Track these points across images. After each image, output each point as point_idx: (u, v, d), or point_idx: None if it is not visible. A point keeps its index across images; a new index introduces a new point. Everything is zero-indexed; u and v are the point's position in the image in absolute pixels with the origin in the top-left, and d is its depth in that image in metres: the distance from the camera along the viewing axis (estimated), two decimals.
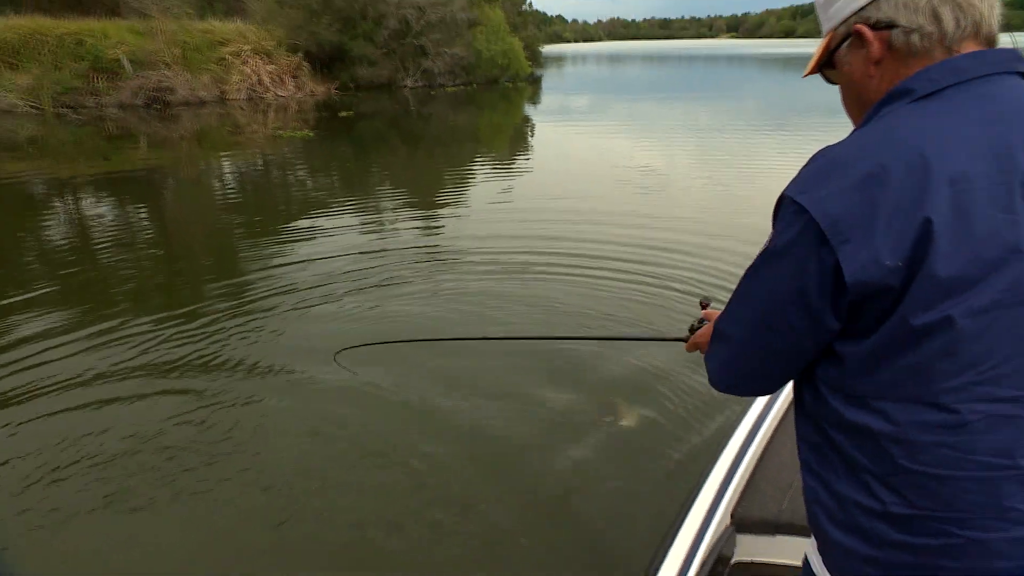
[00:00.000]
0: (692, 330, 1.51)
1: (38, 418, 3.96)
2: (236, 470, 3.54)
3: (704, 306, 1.55)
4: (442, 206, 8.94)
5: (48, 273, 6.64)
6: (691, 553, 1.75)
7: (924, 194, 0.81)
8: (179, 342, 4.86)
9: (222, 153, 13.70)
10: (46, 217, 8.97)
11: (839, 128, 1.05)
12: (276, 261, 6.75)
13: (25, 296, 5.86)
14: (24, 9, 21.84)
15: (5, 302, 5.75)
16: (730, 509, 1.98)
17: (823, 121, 14.77)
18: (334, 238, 7.51)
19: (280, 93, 22.18)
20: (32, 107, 18.01)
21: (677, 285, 5.57)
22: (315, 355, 4.56)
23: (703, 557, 1.76)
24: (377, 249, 7.03)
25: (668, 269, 5.96)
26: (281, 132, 15.40)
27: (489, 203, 8.98)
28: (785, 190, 0.92)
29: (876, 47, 0.92)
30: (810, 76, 1.12)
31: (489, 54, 26.71)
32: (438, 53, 25.19)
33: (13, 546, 3.16)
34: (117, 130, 15.94)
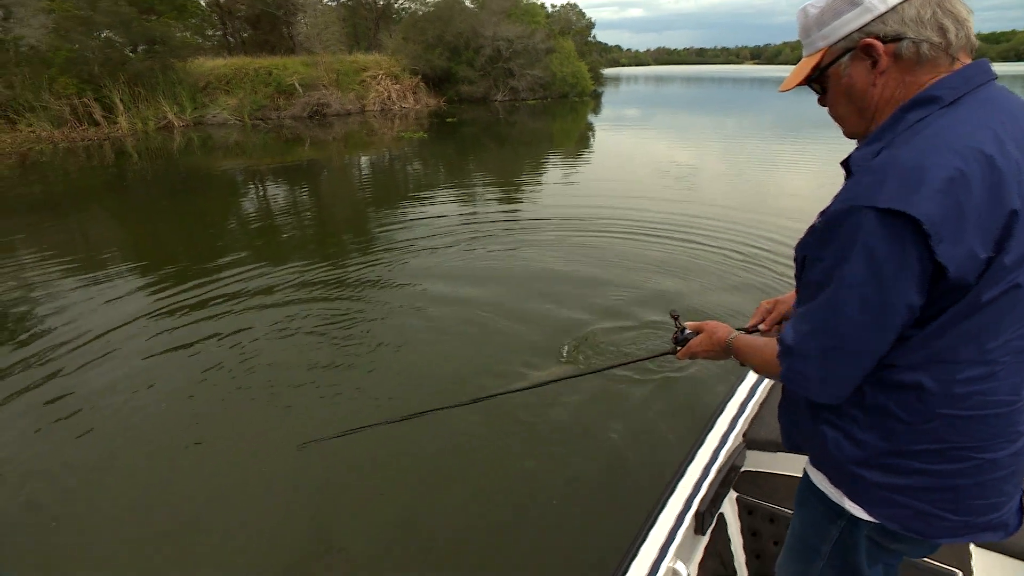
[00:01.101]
0: (678, 341, 1.33)
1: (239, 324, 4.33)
2: (368, 350, 3.87)
3: (675, 317, 1.37)
4: (521, 187, 9.10)
5: (244, 231, 7.46)
6: (710, 463, 1.67)
7: (1003, 190, 0.74)
8: (326, 278, 5.44)
9: (360, 149, 14.24)
10: (243, 196, 9.73)
11: (829, 136, 0.95)
12: (395, 225, 7.26)
13: (233, 246, 6.66)
14: (234, 52, 23.38)
15: (220, 246, 6.63)
16: (743, 430, 1.88)
17: (816, 131, 13.98)
18: (439, 208, 7.83)
19: (404, 105, 22.60)
20: (237, 120, 19.11)
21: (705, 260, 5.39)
22: (420, 282, 5.14)
23: (720, 465, 1.67)
24: (472, 216, 7.35)
25: (697, 247, 5.76)
26: (403, 133, 15.78)
27: (557, 184, 9.17)
28: (859, 201, 0.77)
29: (885, 58, 0.82)
30: (789, 91, 0.99)
31: (562, 75, 26.25)
32: (522, 74, 24.94)
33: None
34: (290, 135, 16.67)
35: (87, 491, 2.78)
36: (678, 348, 1.33)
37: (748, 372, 2.04)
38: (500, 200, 8.41)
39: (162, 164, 12.62)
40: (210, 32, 25.89)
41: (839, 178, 0.89)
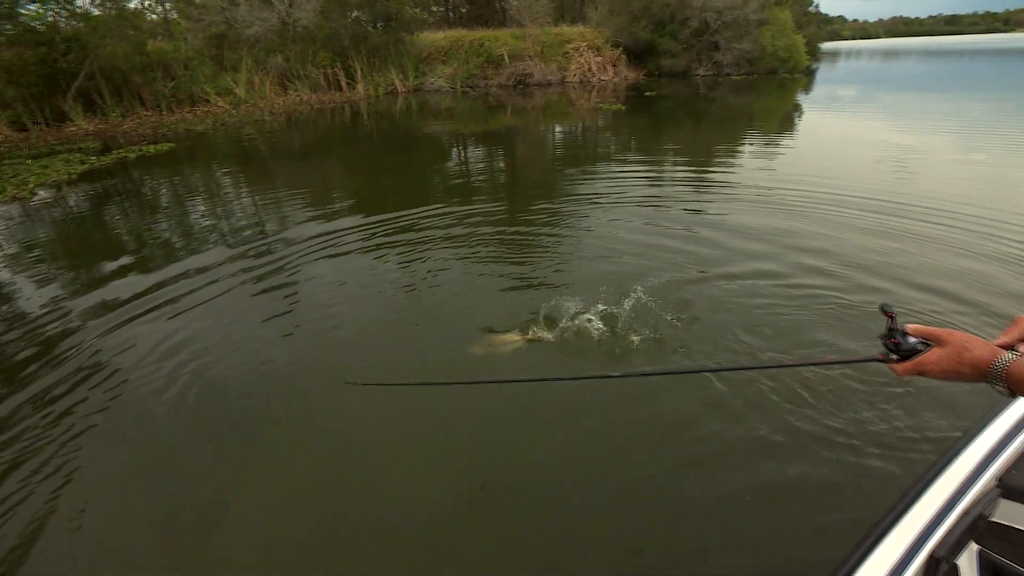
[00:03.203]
0: (896, 349, 1.01)
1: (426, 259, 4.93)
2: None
3: (890, 315, 1.02)
4: (709, 166, 8.31)
5: (444, 183, 8.03)
6: (950, 503, 1.35)
7: None
8: (512, 230, 5.75)
9: (557, 119, 14.37)
10: (447, 155, 10.47)
11: None
12: (582, 190, 7.26)
13: (434, 194, 7.34)
14: (453, 26, 25.01)
15: (424, 193, 7.30)
16: (998, 474, 1.53)
17: None
18: (623, 180, 7.64)
19: (603, 78, 22.21)
20: (450, 87, 20.54)
21: (916, 277, 4.12)
22: (596, 245, 5.08)
23: (964, 509, 1.36)
24: (655, 191, 6.98)
25: (911, 257, 4.50)
26: (600, 105, 15.57)
27: (751, 164, 8.18)
28: None
29: None
30: None
31: (773, 48, 23.47)
32: (728, 48, 22.87)
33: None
34: (494, 102, 17.44)
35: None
36: (893, 357, 1.01)
37: (1012, 404, 1.64)
38: (688, 175, 7.87)
39: (386, 124, 14.11)
40: (434, 8, 28.03)
41: None
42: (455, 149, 10.92)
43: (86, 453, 3.04)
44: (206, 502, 2.65)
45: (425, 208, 6.63)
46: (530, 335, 3.56)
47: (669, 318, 3.79)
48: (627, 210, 6.25)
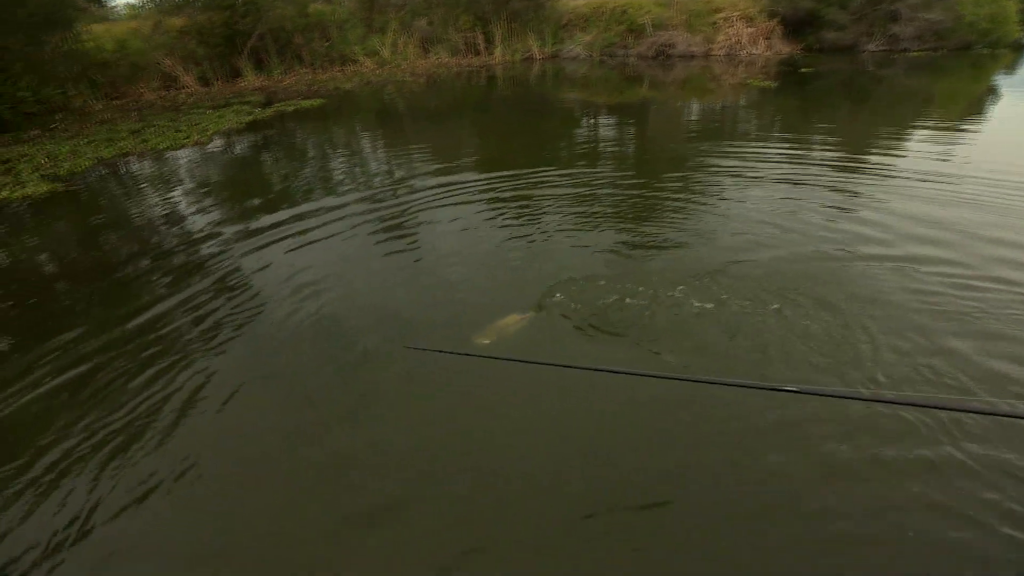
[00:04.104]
0: None
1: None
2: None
3: None
4: (869, 151, 7.27)
5: (571, 151, 7.89)
6: None
7: None
8: (636, 197, 5.54)
9: (696, 94, 13.50)
10: (577, 124, 10.26)
11: None
12: (716, 165, 6.76)
13: (558, 158, 7.27)
14: None
15: (548, 158, 7.22)
16: None
17: None
18: (764, 158, 6.97)
19: (752, 51, 20.39)
20: (588, 56, 20.06)
21: None
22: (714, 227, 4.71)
23: None
24: (799, 171, 6.35)
25: None
26: (748, 81, 14.39)
27: (920, 159, 6.87)
28: None
29: None
30: None
31: (972, 18, 19.77)
32: (912, 18, 19.79)
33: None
34: (632, 73, 16.77)
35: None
36: None
37: None
38: (841, 158, 7.00)
39: (520, 90, 14.12)
40: None
41: None
42: (585, 118, 10.67)
43: (218, 353, 3.52)
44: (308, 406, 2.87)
45: (550, 170, 6.74)
46: (531, 312, 3.51)
47: (776, 306, 3.42)
48: (766, 187, 5.81)
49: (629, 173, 6.66)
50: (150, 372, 3.39)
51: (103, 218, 6.38)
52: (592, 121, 10.41)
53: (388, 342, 3.48)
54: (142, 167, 8.56)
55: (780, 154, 7.26)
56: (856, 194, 5.58)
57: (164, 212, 6.39)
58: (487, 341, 3.28)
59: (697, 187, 5.92)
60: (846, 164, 6.71)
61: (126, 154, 9.20)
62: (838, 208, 5.21)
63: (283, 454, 2.75)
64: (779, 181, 6.05)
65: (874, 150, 7.42)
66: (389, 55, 19.13)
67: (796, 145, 7.75)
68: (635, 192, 5.92)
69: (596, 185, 6.18)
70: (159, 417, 3.03)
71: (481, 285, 4.07)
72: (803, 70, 16.52)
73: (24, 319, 4.24)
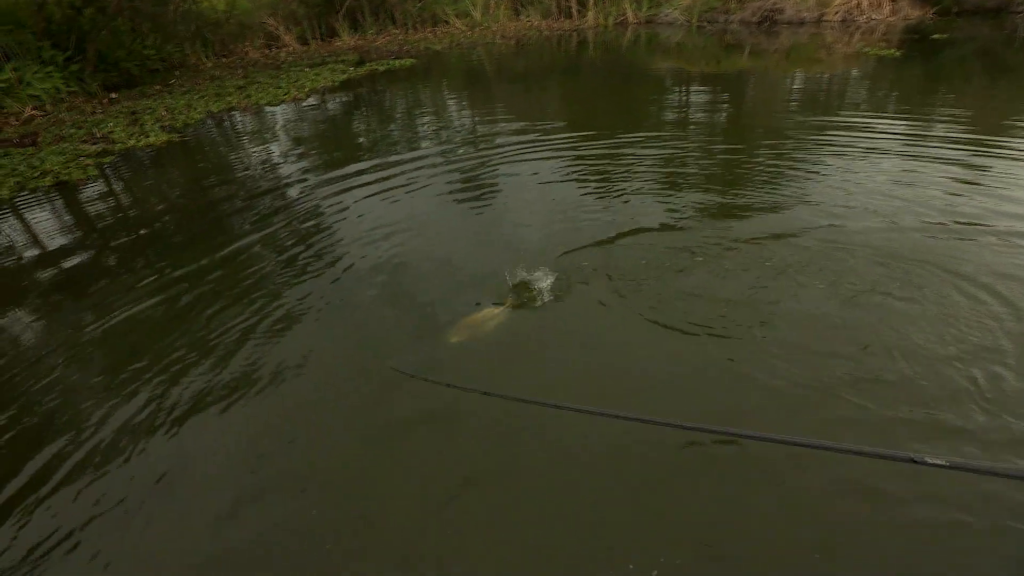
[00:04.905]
0: None
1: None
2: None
3: None
4: (1004, 139, 6.25)
5: (657, 119, 7.56)
6: None
7: None
8: (721, 166, 5.24)
9: (803, 65, 12.45)
10: (665, 94, 9.76)
11: None
12: (818, 139, 6.23)
13: (641, 126, 6.99)
14: None
15: (631, 126, 7.00)
16: None
17: None
18: (879, 134, 6.32)
19: (874, 16, 18.38)
20: (685, 21, 19.01)
21: None
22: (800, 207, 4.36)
23: None
24: (919, 150, 5.71)
25: None
26: (866, 50, 13.04)
27: None
28: None
29: None
30: None
31: None
32: None
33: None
34: (732, 40, 15.70)
35: None
36: None
37: None
38: (964, 145, 6.17)
39: (611, 56, 13.62)
40: None
41: None
42: (676, 88, 10.15)
43: (291, 285, 3.85)
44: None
45: (635, 135, 6.57)
46: (509, 302, 3.31)
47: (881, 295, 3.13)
48: (878, 161, 5.32)
49: (718, 139, 6.33)
50: (234, 294, 3.83)
51: (208, 165, 6.93)
52: (683, 90, 9.88)
53: (448, 297, 3.56)
54: (244, 120, 9.14)
55: (897, 130, 6.57)
56: (986, 170, 4.97)
57: (260, 161, 6.85)
58: (458, 339, 3.09)
59: (796, 158, 5.51)
60: (978, 143, 5.96)
61: (231, 108, 9.85)
62: (966, 183, 4.67)
63: (347, 381, 2.90)
64: (895, 156, 5.48)
65: (1015, 130, 6.52)
66: (480, 17, 19.05)
67: (918, 120, 6.97)
68: (725, 159, 5.63)
69: (683, 152, 5.94)
70: (233, 334, 3.35)
71: (544, 240, 4.09)
72: (934, 37, 14.74)
73: (136, 247, 4.74)
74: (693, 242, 3.89)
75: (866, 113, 7.40)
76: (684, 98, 9.08)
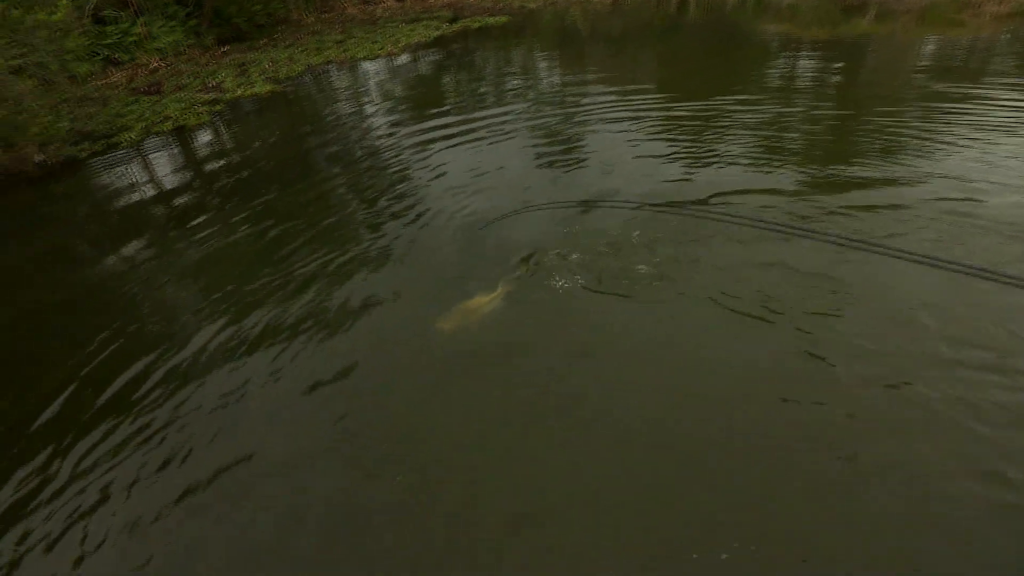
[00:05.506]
0: None
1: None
2: None
3: None
4: None
5: (760, 85, 7.02)
6: None
7: None
8: (831, 134, 4.81)
9: (938, 28, 10.99)
10: (769, 62, 9.00)
11: None
12: (952, 113, 5.50)
13: (734, 89, 6.51)
14: None
15: (724, 91, 6.54)
16: None
17: None
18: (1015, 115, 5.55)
19: None
20: None
21: None
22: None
23: None
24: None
25: None
26: None
27: None
28: None
29: None
30: None
31: None
32: None
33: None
34: (854, 2, 14.21)
35: None
36: None
37: None
38: None
39: (713, 18, 12.73)
40: None
41: None
42: (785, 54, 9.32)
43: (372, 228, 4.10)
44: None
45: (730, 99, 6.20)
46: (501, 287, 3.18)
47: None
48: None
49: (827, 105, 5.78)
50: (317, 232, 4.08)
51: (304, 114, 7.25)
52: (791, 56, 9.06)
53: (519, 248, 3.52)
54: (340, 74, 9.44)
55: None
56: None
57: (352, 112, 7.09)
58: (449, 326, 2.98)
59: (922, 129, 4.88)
60: None
61: (330, 62, 10.19)
62: None
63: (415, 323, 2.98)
64: None
65: None
66: None
67: None
68: (834, 126, 5.13)
69: (784, 117, 5.48)
70: (311, 267, 3.59)
71: (625, 194, 3.95)
72: None
73: (236, 186, 5.13)
74: (794, 208, 3.59)
75: (1018, 83, 6.43)
76: (791, 63, 8.33)
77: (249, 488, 2.27)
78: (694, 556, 1.84)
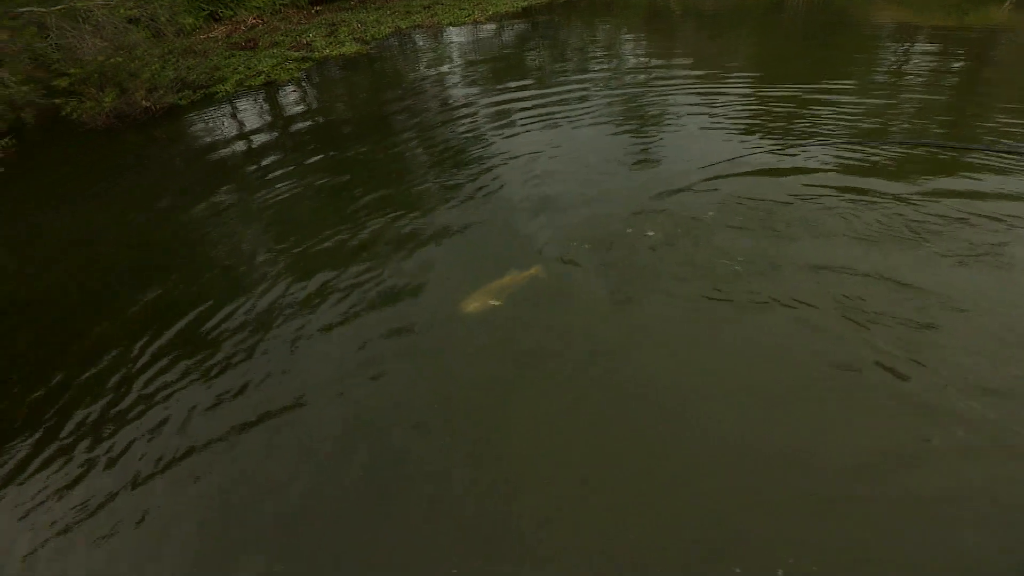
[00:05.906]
0: None
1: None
2: None
3: None
4: None
5: (857, 79, 6.46)
6: None
7: None
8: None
9: None
10: (878, 55, 8.27)
11: None
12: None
13: (842, 79, 6.01)
14: None
15: (834, 78, 6.06)
16: None
17: None
18: None
19: None
20: None
21: None
22: None
23: None
24: None
25: None
26: None
27: None
28: None
29: None
30: None
31: None
32: None
33: None
34: None
35: None
36: None
37: None
38: None
39: (820, 1, 11.80)
40: None
41: None
42: (895, 43, 8.53)
43: (441, 189, 4.20)
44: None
45: (825, 87, 5.77)
46: (532, 271, 3.11)
47: None
48: None
49: (942, 97, 5.22)
50: (387, 189, 4.25)
51: (388, 76, 7.38)
52: (903, 46, 8.28)
53: (584, 221, 3.45)
54: (427, 38, 9.51)
55: None
56: None
57: (434, 75, 7.16)
58: (473, 308, 2.94)
59: None
60: None
61: (417, 26, 10.27)
62: None
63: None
64: None
65: None
66: None
67: None
68: (951, 120, 4.64)
69: (884, 109, 5.00)
70: (376, 223, 3.72)
71: (693, 175, 3.77)
72: None
73: (318, 137, 5.32)
74: (891, 208, 3.32)
75: None
76: (902, 54, 7.60)
77: (291, 431, 2.40)
78: (736, 571, 1.79)
